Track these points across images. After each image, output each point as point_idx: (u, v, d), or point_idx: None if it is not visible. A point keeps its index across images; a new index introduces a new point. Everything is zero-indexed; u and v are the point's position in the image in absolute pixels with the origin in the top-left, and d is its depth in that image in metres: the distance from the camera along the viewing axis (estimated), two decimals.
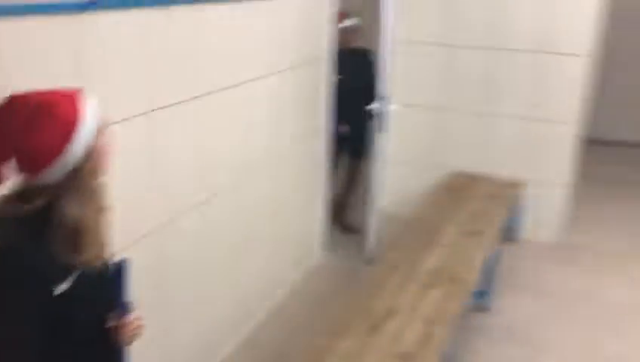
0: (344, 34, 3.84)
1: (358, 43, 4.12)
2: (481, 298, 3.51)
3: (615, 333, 3.35)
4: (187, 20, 2.35)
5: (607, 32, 4.01)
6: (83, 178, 1.25)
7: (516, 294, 3.74)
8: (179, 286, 2.60)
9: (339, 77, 3.78)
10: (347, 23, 3.82)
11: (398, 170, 4.44)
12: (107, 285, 1.41)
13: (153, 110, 2.24)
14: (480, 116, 4.35)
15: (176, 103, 2.36)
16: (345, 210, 4.49)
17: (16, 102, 1.21)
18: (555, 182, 4.28)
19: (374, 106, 3.81)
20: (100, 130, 1.29)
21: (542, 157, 4.26)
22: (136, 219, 2.25)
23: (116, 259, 1.45)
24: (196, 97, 2.48)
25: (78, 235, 1.25)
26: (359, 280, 3.32)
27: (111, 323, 1.43)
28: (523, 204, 4.30)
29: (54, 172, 1.22)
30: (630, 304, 3.65)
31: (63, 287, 1.24)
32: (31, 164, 1.22)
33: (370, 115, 3.80)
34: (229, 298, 3.06)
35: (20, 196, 1.25)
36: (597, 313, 3.55)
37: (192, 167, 2.55)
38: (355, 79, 3.91)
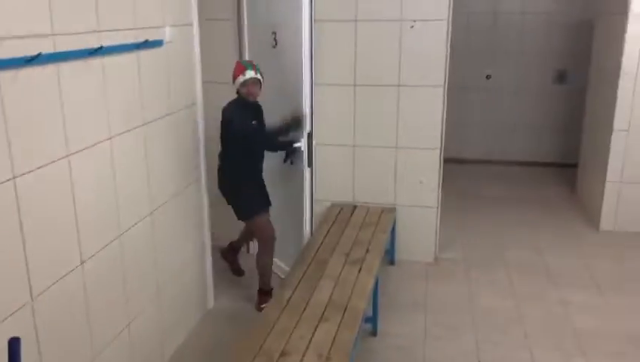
0: (245, 86, 3.71)
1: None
2: (369, 323, 3.68)
3: (492, 339, 3.66)
4: (36, 80, 2.22)
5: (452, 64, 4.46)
6: None
7: (401, 314, 3.96)
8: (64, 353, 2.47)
9: (247, 131, 3.75)
10: (248, 75, 3.67)
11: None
12: None
13: (15, 177, 2.13)
14: (353, 147, 4.58)
15: (36, 168, 2.24)
16: (235, 255, 4.49)
17: None
18: (426, 204, 4.61)
19: (299, 144, 3.99)
20: None
21: (413, 181, 4.57)
22: (14, 286, 2.12)
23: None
24: (54, 161, 2.34)
25: None
26: (254, 321, 3.34)
27: None
28: (399, 227, 4.60)
29: None
30: (503, 309, 4.01)
31: None
32: None
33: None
34: (122, 357, 2.94)
35: None
36: (475, 321, 3.86)
37: (60, 232, 2.43)
38: (260, 133, 3.91)
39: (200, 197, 3.80)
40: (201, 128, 3.73)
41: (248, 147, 3.79)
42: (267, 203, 3.99)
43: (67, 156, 2.43)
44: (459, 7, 4.81)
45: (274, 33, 4.08)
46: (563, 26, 6.81)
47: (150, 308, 3.23)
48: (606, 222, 5.27)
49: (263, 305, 3.88)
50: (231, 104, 3.77)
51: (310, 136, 4.04)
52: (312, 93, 4.07)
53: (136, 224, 3.01)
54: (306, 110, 3.98)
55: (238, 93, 3.75)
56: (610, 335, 3.68)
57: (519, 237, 5.21)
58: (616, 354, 3.50)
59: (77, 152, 2.49)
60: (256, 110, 3.85)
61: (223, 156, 3.85)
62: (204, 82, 3.78)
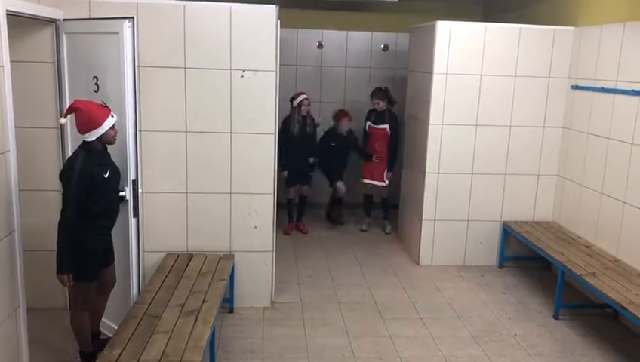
0: (113, 129, 3.47)
1: None
2: None
3: None
4: None
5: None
6: None
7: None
8: None
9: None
10: (115, 118, 3.46)
11: None
12: None
13: None
14: (185, 193, 4.51)
15: None
16: None
17: None
18: (262, 249, 4.66)
19: (125, 193, 3.73)
20: None
21: (247, 226, 4.61)
22: None
23: None
24: None
25: None
26: None
27: None
28: (238, 273, 4.58)
29: None
30: (338, 347, 4.15)
31: None
32: None
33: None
34: None
35: None
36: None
37: None
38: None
39: (12, 253, 3.43)
40: (14, 177, 3.41)
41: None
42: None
43: None
44: (288, 60, 5.05)
45: (95, 78, 3.91)
46: (377, 80, 7.45)
47: None
48: (424, 257, 5.78)
49: None
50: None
51: (135, 183, 3.88)
52: (137, 140, 3.95)
53: None
54: (130, 157, 3.82)
55: (99, 139, 3.44)
56: (426, 359, 4.01)
57: (349, 275, 5.49)
58: None
59: None
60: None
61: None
62: (20, 127, 3.47)
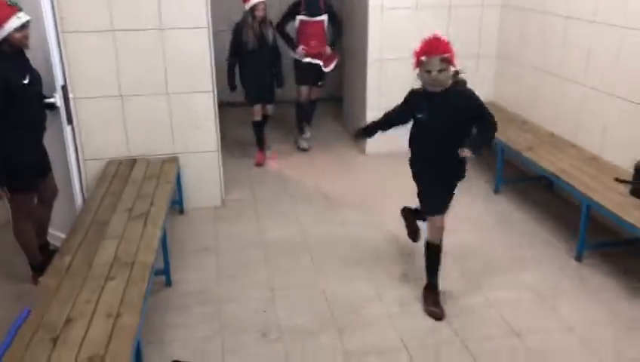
0: (21, 31, 3.18)
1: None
2: (163, 275, 3.63)
3: (283, 268, 3.89)
4: None
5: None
6: None
7: (194, 261, 3.97)
8: None
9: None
10: (24, 17, 3.14)
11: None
12: None
13: None
14: (120, 97, 4.32)
15: None
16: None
17: None
18: (206, 149, 4.60)
19: (54, 99, 3.52)
20: None
21: (191, 128, 4.51)
22: None
23: None
24: None
25: None
26: (33, 293, 3.06)
27: None
28: (185, 175, 4.54)
29: None
30: (291, 238, 4.27)
31: None
32: None
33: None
34: None
35: None
36: (267, 254, 4.04)
37: None
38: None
39: None
40: None
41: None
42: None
43: None
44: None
45: None
46: None
47: None
48: (370, 146, 5.83)
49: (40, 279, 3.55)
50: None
51: (65, 89, 3.67)
52: (60, 42, 3.70)
53: None
54: (55, 61, 3.57)
55: (6, 42, 3.18)
56: (377, 240, 4.19)
57: (298, 168, 5.54)
58: (384, 252, 4.01)
59: None
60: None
61: None
62: None
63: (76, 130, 3.95)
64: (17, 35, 3.21)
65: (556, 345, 3.11)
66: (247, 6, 5.22)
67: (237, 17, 5.44)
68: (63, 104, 3.65)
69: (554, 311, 3.39)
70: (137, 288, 2.77)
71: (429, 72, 3.06)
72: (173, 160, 4.46)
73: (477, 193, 4.94)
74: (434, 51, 3.03)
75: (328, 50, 5.75)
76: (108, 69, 4.23)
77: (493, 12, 5.62)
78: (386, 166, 5.54)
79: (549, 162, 4.24)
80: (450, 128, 3.16)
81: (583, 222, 3.78)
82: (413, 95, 3.28)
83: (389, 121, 3.45)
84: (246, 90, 5.55)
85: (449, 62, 3.06)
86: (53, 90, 3.58)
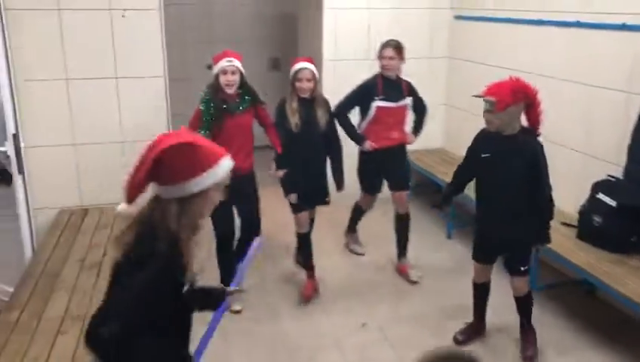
0: None
1: None
2: None
3: None
4: None
5: None
6: None
7: None
8: None
9: None
10: None
11: None
12: None
13: None
14: (73, 146, 4.27)
15: None
16: None
17: None
18: None
19: (5, 148, 3.47)
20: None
21: None
22: None
23: None
24: None
25: None
26: None
27: None
28: None
29: None
30: None
31: None
32: None
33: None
34: None
35: None
36: None
37: None
38: None
39: None
40: None
41: None
42: None
43: None
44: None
45: None
46: (270, 17, 7.30)
47: None
48: None
49: None
50: None
51: (16, 138, 3.60)
52: (13, 90, 3.65)
53: None
54: (7, 109, 3.52)
55: None
56: None
57: None
58: None
59: None
60: None
61: None
62: None
63: (27, 179, 3.86)
64: None
65: None
66: (290, 75, 3.74)
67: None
68: (14, 153, 3.57)
69: None
70: None
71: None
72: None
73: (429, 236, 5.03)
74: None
75: (412, 138, 4.36)
76: (61, 117, 4.19)
77: (440, 63, 5.87)
78: None
79: None
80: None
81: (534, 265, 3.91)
82: None
83: None
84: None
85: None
86: (4, 138, 3.51)
